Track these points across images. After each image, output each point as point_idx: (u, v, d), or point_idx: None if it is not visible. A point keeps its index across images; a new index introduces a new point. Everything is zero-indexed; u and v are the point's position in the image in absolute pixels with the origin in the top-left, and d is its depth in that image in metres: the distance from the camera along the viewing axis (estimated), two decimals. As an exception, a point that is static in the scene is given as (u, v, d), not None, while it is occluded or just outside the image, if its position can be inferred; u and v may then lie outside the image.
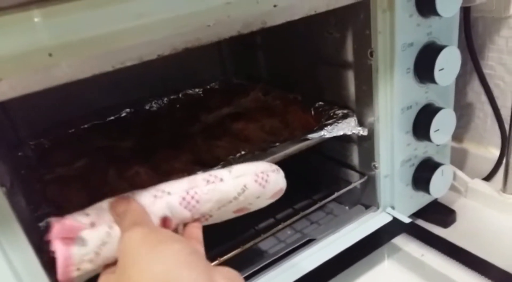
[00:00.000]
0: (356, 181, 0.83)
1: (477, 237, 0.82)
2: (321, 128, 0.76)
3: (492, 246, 0.78)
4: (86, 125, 0.94)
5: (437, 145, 0.80)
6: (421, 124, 0.76)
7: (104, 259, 0.45)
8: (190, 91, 1.06)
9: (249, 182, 0.51)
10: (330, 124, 0.76)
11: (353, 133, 0.76)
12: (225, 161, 0.69)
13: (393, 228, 0.79)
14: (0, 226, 0.45)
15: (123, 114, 0.98)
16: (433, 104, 0.78)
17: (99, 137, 0.87)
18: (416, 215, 0.86)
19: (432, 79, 0.72)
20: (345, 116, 0.78)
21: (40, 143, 0.87)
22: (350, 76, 0.79)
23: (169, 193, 0.48)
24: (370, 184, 0.82)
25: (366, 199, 0.84)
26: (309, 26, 0.82)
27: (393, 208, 0.81)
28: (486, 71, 0.84)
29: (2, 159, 0.61)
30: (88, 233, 0.44)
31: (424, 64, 0.72)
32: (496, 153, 0.87)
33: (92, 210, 0.46)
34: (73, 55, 0.44)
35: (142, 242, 0.40)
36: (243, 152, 0.72)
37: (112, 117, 0.97)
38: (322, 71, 0.86)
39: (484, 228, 0.85)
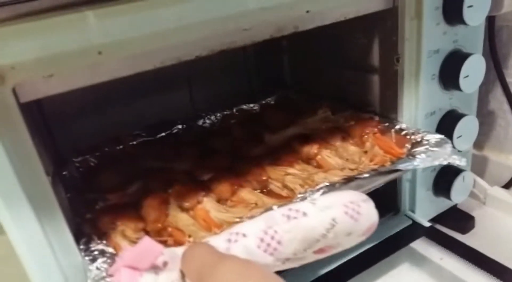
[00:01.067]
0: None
1: (495, 244, 0.81)
2: (412, 155, 0.67)
3: (510, 253, 0.78)
4: (135, 142, 0.89)
5: (459, 151, 0.81)
6: (444, 130, 0.76)
7: None
8: (245, 107, 1.00)
9: (338, 214, 0.43)
10: (423, 152, 0.66)
11: (450, 163, 0.65)
12: (301, 194, 0.61)
13: (413, 232, 0.79)
14: (44, 210, 0.48)
15: (175, 131, 0.93)
16: (456, 111, 0.79)
17: (150, 156, 0.82)
18: (435, 220, 0.86)
19: (456, 86, 0.73)
20: (439, 143, 0.68)
21: (85, 160, 0.83)
22: (376, 81, 0.80)
23: (244, 235, 0.42)
24: (391, 186, 0.82)
25: (386, 201, 0.84)
26: (336, 31, 0.82)
27: (413, 211, 0.82)
28: (509, 80, 0.84)
29: (44, 151, 0.64)
30: (159, 270, 0.40)
31: (449, 71, 0.73)
32: None
33: (166, 250, 0.41)
34: (120, 53, 0.47)
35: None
36: (323, 184, 0.62)
37: (163, 134, 0.92)
38: (348, 75, 0.87)
39: (502, 235, 0.85)
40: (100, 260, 0.51)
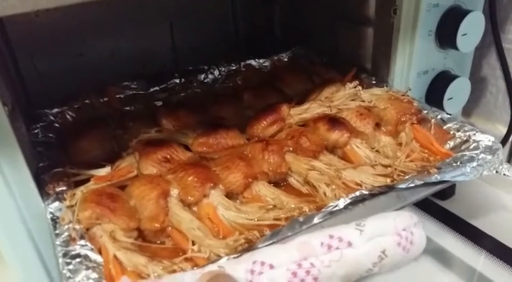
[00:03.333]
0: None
1: (473, 210, 0.78)
2: (460, 161, 0.54)
3: (487, 219, 0.76)
4: (122, 96, 0.76)
5: (448, 114, 0.78)
6: (436, 90, 0.74)
7: None
8: (254, 63, 0.87)
9: (390, 245, 0.36)
10: (473, 159, 0.54)
11: (497, 172, 0.55)
12: (324, 195, 0.51)
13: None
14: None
15: (171, 85, 0.80)
16: (449, 72, 0.75)
17: (143, 118, 0.67)
18: None
19: (453, 44, 0.70)
20: (491, 149, 0.56)
21: (62, 114, 0.69)
22: (370, 34, 0.75)
23: (272, 266, 0.34)
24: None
25: None
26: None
27: None
28: (505, 45, 0.81)
29: (3, 81, 0.56)
30: None
31: (447, 27, 0.69)
32: (503, 130, 0.84)
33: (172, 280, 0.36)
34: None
35: None
36: (359, 193, 0.49)
37: (157, 88, 0.79)
38: (341, 27, 0.82)
39: (481, 202, 0.83)
40: (84, 273, 0.40)
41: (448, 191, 0.84)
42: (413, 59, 0.71)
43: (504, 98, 0.82)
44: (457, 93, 0.74)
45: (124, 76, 0.79)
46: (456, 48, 0.70)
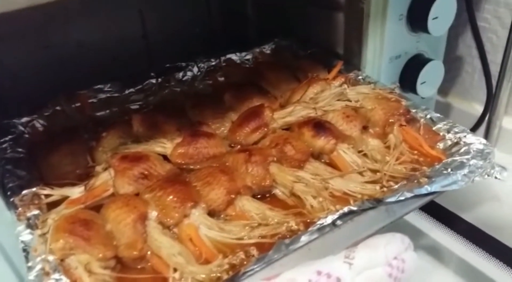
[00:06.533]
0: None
1: (463, 201, 0.79)
2: (450, 167, 0.52)
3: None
4: (95, 100, 0.72)
5: (422, 98, 0.78)
6: (409, 75, 0.73)
7: None
8: (235, 57, 0.82)
9: (381, 278, 0.34)
10: (465, 165, 0.52)
11: (489, 177, 0.52)
12: (312, 223, 0.46)
13: None
14: None
15: (147, 86, 0.75)
16: (422, 55, 0.74)
17: (118, 126, 0.63)
18: None
19: (424, 28, 0.68)
20: (482, 153, 0.54)
21: (31, 123, 0.66)
22: (340, 20, 0.73)
23: None
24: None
25: None
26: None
27: None
28: (480, 23, 0.80)
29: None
30: None
31: (418, 11, 0.68)
32: (479, 109, 0.82)
33: None
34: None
35: None
36: (346, 209, 0.46)
37: (132, 90, 0.74)
38: (312, 12, 0.79)
39: (472, 191, 0.85)
40: None
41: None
42: (385, 44, 0.69)
43: (480, 77, 0.82)
44: (430, 77, 0.72)
45: (94, 68, 0.75)
46: (427, 31, 0.68)
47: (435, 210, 0.70)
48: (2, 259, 0.45)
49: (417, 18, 0.68)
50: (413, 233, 0.69)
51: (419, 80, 0.72)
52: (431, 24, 0.68)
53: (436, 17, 0.67)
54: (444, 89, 0.89)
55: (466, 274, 0.64)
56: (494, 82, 0.79)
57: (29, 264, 0.43)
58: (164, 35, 0.90)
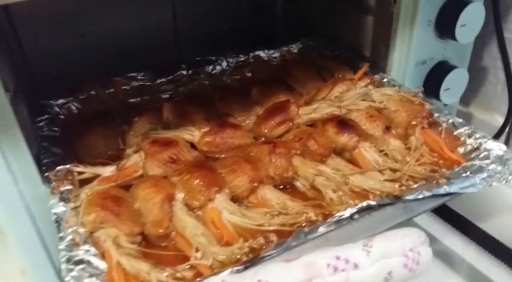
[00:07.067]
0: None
1: (470, 202, 0.79)
2: (470, 170, 0.53)
3: (484, 212, 0.75)
4: (128, 87, 0.75)
5: (445, 105, 0.79)
6: (433, 81, 0.73)
7: None
8: (263, 54, 0.84)
9: (396, 267, 0.36)
10: (484, 169, 0.53)
11: (507, 182, 0.53)
12: (331, 215, 0.47)
13: None
14: (2, 130, 0.43)
15: (177, 77, 0.78)
16: (448, 62, 0.74)
17: (150, 113, 0.66)
18: None
19: (452, 35, 0.69)
20: (502, 159, 0.55)
21: (67, 105, 0.69)
22: (369, 22, 0.74)
23: None
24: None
25: None
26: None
27: None
28: (507, 35, 0.81)
29: (7, 66, 0.56)
30: None
31: (446, 18, 0.68)
32: (501, 120, 0.83)
33: None
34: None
35: None
36: (365, 203, 0.48)
37: (163, 79, 0.77)
38: (342, 13, 0.80)
39: (478, 193, 0.85)
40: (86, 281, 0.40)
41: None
42: (412, 48, 0.69)
43: (503, 88, 0.82)
44: (454, 84, 0.73)
45: (125, 56, 0.79)
46: (454, 39, 0.68)
47: (450, 216, 0.71)
48: (33, 231, 0.47)
49: (445, 25, 0.69)
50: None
51: (443, 87, 0.73)
52: (458, 31, 0.68)
53: (464, 25, 0.68)
54: (466, 99, 0.89)
55: (476, 281, 0.64)
56: (516, 94, 0.79)
57: (61, 234, 0.45)
58: (194, 29, 0.92)
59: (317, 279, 0.34)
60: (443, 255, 0.68)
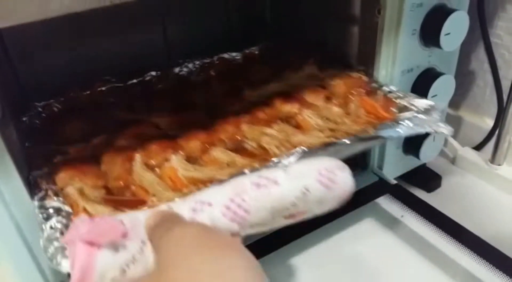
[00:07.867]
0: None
1: (459, 204, 0.79)
2: (395, 122, 0.61)
3: (472, 214, 0.76)
4: (104, 88, 0.80)
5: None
6: (420, 88, 0.74)
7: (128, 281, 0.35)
8: (227, 56, 0.91)
9: (311, 183, 0.40)
10: (409, 119, 0.61)
11: (436, 132, 0.61)
12: (274, 157, 0.56)
13: (378, 188, 0.78)
14: None
15: (148, 78, 0.83)
16: (434, 69, 0.75)
17: (119, 106, 0.74)
18: (403, 177, 0.83)
19: (436, 43, 0.69)
20: (427, 110, 0.63)
21: (49, 105, 0.74)
22: (355, 33, 0.76)
23: (210, 204, 0.39)
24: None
25: (355, 157, 0.81)
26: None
27: (381, 168, 0.79)
28: (493, 39, 0.81)
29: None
30: (119, 243, 0.35)
31: (430, 27, 0.69)
32: (490, 123, 0.84)
33: (126, 218, 0.37)
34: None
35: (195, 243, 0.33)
36: (300, 149, 0.56)
37: (134, 81, 0.82)
38: (329, 24, 0.83)
39: (467, 195, 0.83)
40: (54, 219, 0.46)
41: (433, 183, 0.87)
42: (398, 57, 0.70)
43: (492, 91, 0.83)
44: (441, 90, 0.74)
45: (113, 68, 0.83)
46: (439, 47, 0.69)
47: (442, 221, 0.71)
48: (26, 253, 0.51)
49: (429, 34, 0.70)
50: (420, 243, 0.72)
51: (430, 93, 0.74)
52: (443, 39, 0.69)
53: (448, 33, 0.69)
54: (455, 103, 0.90)
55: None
56: (505, 97, 0.80)
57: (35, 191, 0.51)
58: (184, 41, 0.96)
59: (243, 194, 0.39)
60: (437, 260, 0.70)
